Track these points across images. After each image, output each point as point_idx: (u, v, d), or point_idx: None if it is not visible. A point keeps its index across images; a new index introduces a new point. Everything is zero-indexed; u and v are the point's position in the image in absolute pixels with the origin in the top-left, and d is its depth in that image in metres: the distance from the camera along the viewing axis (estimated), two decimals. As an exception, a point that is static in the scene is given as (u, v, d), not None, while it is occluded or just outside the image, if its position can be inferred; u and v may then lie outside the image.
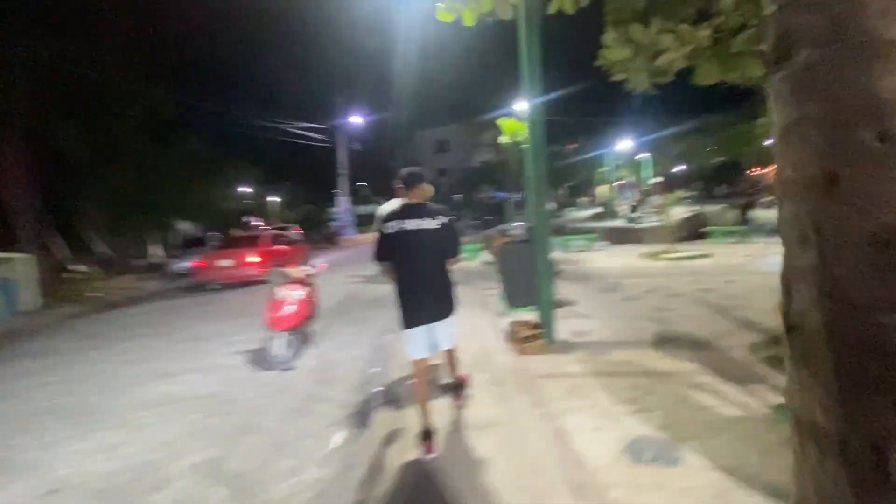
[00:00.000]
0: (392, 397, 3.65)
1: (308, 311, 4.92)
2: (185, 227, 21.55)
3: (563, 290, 7.03)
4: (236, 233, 17.00)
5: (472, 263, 11.35)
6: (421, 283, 2.83)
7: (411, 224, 2.78)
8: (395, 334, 5.79)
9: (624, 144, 24.85)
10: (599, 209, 26.27)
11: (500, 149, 31.06)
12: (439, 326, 2.89)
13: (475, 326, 5.39)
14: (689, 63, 3.80)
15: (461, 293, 3.30)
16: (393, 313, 3.15)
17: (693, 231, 13.17)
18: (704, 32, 3.29)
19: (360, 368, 4.57)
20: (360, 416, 3.44)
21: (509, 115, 11.23)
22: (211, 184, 19.86)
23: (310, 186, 36.47)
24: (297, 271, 4.96)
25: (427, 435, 2.74)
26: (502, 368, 4.03)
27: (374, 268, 11.03)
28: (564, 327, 4.87)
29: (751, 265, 8.73)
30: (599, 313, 5.82)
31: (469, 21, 3.82)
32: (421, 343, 2.87)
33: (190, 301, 10.23)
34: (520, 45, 4.34)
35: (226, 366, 4.98)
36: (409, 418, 3.20)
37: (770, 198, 14.97)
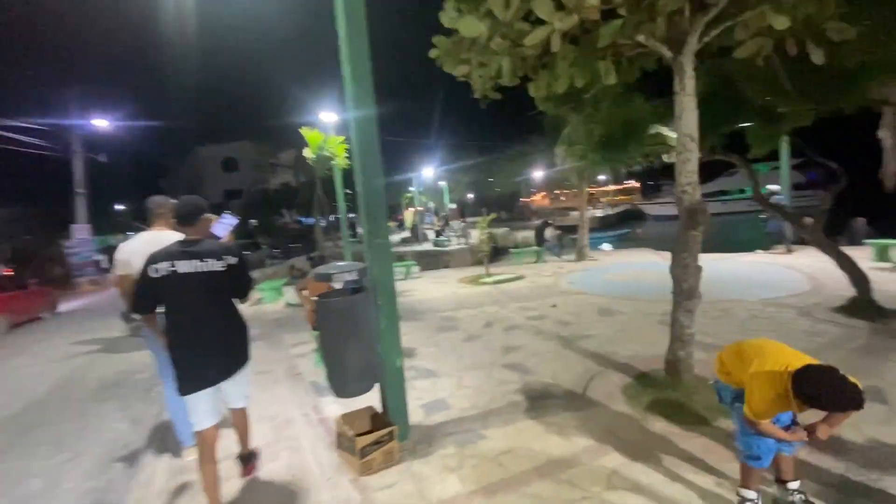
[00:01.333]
0: None
1: None
2: None
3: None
4: None
5: (272, 306, 9.05)
6: (203, 336, 2.32)
7: (185, 266, 2.26)
8: (139, 450, 3.49)
9: (426, 171, 25.68)
10: (407, 234, 26.45)
11: (304, 169, 28.77)
12: (229, 383, 2.43)
13: (280, 422, 3.53)
14: (557, 50, 2.99)
15: (256, 354, 2.63)
16: (139, 407, 2.58)
17: (491, 252, 13.89)
18: (593, 1, 2.47)
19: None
20: None
21: (314, 126, 9.54)
22: None
23: (33, 210, 26.38)
24: None
25: None
26: (335, 517, 2.37)
27: (121, 325, 7.79)
28: (412, 396, 3.51)
29: (560, 284, 9.12)
30: (447, 365, 4.67)
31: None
32: (206, 408, 2.35)
33: None
34: (338, 23, 2.85)
35: None
36: None
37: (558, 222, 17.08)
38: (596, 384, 3.87)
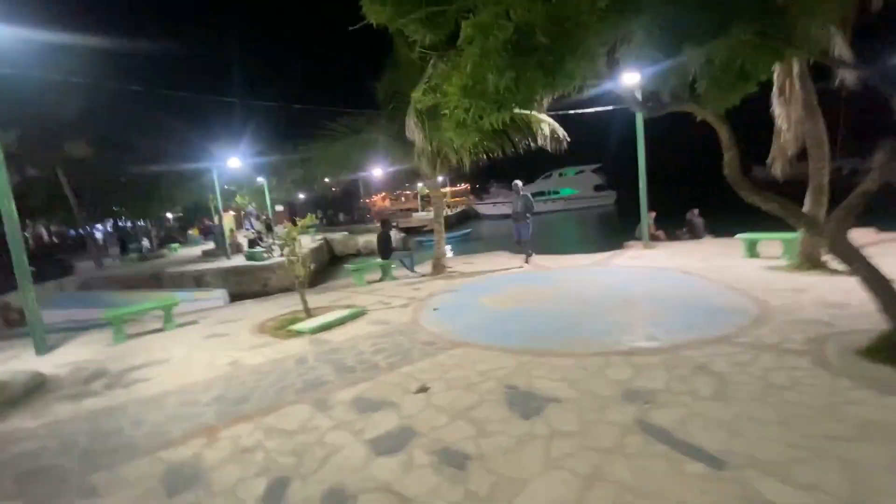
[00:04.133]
0: None
1: None
2: None
3: None
4: None
5: None
6: None
7: None
8: None
9: (234, 163, 19.68)
10: (212, 245, 20.22)
11: (34, 158, 20.50)
12: None
13: None
14: None
15: None
16: None
17: (323, 263, 10.07)
18: None
19: None
20: None
21: None
22: None
23: None
24: None
25: None
26: None
27: None
28: None
29: (422, 323, 5.74)
30: None
31: None
32: None
33: None
34: None
35: None
36: None
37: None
38: None
